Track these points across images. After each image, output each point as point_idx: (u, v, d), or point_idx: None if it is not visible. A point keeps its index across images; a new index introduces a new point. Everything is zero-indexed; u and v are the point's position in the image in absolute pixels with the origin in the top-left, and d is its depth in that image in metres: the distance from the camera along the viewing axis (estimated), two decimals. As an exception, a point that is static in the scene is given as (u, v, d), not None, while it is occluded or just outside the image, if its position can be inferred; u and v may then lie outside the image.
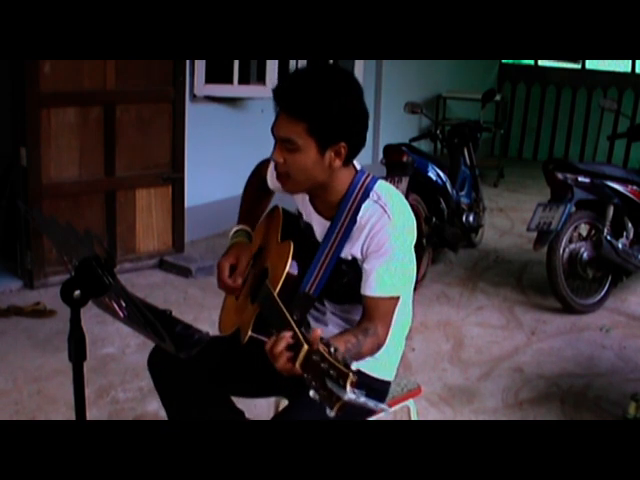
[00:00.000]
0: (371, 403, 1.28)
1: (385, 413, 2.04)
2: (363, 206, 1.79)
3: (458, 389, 3.21)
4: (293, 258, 1.81)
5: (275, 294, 1.62)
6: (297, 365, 1.38)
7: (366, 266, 1.78)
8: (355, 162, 1.85)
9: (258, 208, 2.10)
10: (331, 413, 1.28)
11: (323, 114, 1.68)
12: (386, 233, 1.75)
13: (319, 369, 1.32)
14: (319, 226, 1.88)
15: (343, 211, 1.80)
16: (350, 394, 1.26)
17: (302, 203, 1.95)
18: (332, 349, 1.36)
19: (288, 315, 1.48)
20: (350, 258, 1.82)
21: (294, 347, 1.41)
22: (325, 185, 1.80)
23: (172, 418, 2.03)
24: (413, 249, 1.84)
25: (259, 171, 2.10)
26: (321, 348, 1.35)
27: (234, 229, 2.03)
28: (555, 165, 4.13)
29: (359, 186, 1.81)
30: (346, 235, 1.80)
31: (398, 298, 1.79)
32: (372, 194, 1.79)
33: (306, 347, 1.37)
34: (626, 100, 7.68)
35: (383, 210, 1.77)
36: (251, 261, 2.00)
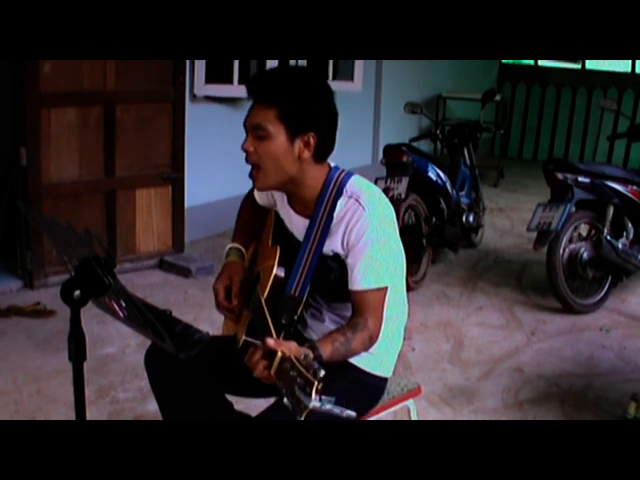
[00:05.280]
0: (337, 410, 1.31)
1: (384, 413, 2.05)
2: (338, 202, 1.81)
3: (458, 389, 3.21)
4: (281, 261, 1.83)
5: (263, 300, 1.63)
6: (272, 372, 1.42)
7: (349, 261, 1.79)
8: (331, 162, 1.88)
9: (251, 226, 2.11)
10: (300, 419, 1.31)
11: (293, 100, 1.74)
12: (363, 225, 1.76)
13: (288, 377, 1.36)
14: (299, 225, 1.90)
15: (320, 208, 1.82)
16: (315, 402, 1.29)
17: (282, 206, 1.97)
18: (303, 356, 1.39)
19: (270, 322, 1.51)
20: (332, 254, 1.83)
21: (270, 355, 1.45)
22: (298, 181, 1.82)
23: (166, 415, 2.04)
24: (397, 235, 1.85)
25: (248, 193, 2.15)
26: (293, 357, 1.38)
27: (227, 247, 2.06)
28: (555, 165, 4.13)
29: (333, 182, 1.83)
30: (325, 232, 1.82)
31: (386, 289, 1.80)
32: (345, 190, 1.81)
33: (279, 355, 1.41)
34: (626, 100, 7.68)
35: (358, 203, 1.78)
36: (248, 266, 2.02)
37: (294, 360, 1.37)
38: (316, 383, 1.30)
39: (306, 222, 1.86)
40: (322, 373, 1.32)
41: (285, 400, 1.35)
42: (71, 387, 1.58)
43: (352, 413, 1.33)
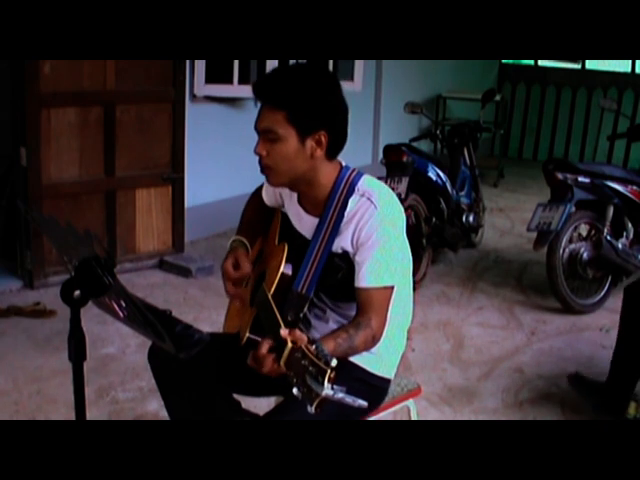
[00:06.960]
0: (349, 399, 1.30)
1: (384, 413, 2.05)
2: (350, 201, 1.81)
3: (458, 389, 3.21)
4: (288, 259, 1.82)
5: (270, 296, 1.63)
6: (282, 363, 1.41)
7: (358, 258, 1.80)
8: (342, 160, 1.88)
9: (256, 223, 2.11)
10: (311, 409, 1.30)
11: (301, 101, 1.73)
12: (374, 223, 1.77)
13: (300, 366, 1.35)
14: (308, 224, 1.90)
15: (330, 207, 1.83)
16: (327, 390, 1.28)
17: (290, 205, 1.97)
18: (314, 347, 1.38)
19: (278, 317, 1.50)
20: (341, 252, 1.83)
21: (278, 347, 1.44)
22: (309, 179, 1.82)
23: (170, 411, 2.04)
24: (405, 238, 1.86)
25: (256, 191, 2.15)
26: (304, 346, 1.38)
27: (231, 239, 2.05)
28: (555, 165, 4.13)
29: (344, 181, 1.83)
30: (335, 230, 1.82)
31: (392, 288, 1.80)
32: (357, 188, 1.82)
33: (290, 345, 1.40)
34: (626, 100, 7.68)
35: (370, 201, 1.79)
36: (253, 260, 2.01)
37: (305, 349, 1.36)
38: (329, 371, 1.29)
39: (315, 221, 1.87)
40: (334, 362, 1.31)
41: (295, 390, 1.33)
42: (71, 387, 1.58)
43: (364, 403, 1.33)
